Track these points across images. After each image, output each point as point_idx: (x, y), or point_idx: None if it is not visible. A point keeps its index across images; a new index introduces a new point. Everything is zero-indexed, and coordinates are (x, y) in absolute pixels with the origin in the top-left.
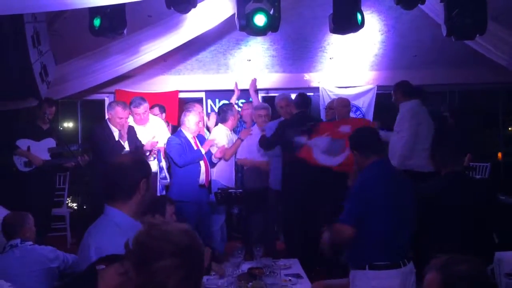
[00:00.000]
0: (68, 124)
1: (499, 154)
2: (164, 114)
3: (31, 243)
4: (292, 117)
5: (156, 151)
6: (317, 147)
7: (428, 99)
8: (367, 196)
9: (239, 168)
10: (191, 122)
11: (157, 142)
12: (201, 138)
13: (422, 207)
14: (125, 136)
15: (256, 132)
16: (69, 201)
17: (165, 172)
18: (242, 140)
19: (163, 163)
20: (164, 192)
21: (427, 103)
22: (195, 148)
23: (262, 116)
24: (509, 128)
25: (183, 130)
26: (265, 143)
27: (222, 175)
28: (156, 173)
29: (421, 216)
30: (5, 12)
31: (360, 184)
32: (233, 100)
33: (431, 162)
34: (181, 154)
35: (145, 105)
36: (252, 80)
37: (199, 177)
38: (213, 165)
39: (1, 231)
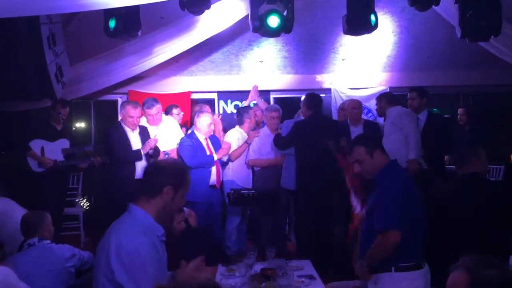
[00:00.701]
0: (81, 125)
1: None
2: (181, 115)
3: (48, 242)
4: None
5: (164, 153)
6: None
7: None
8: (408, 197)
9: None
10: (203, 124)
11: (157, 140)
12: (214, 140)
13: (436, 207)
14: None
15: (266, 134)
16: (83, 201)
17: None
18: (249, 144)
19: None
20: None
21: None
22: (207, 149)
23: (274, 118)
24: None
25: (195, 132)
26: (280, 142)
27: (239, 175)
28: None
29: (434, 216)
30: (21, 14)
31: (397, 185)
32: (247, 102)
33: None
34: (192, 156)
35: (158, 106)
36: (254, 87)
37: (209, 178)
38: (224, 165)
39: (19, 230)
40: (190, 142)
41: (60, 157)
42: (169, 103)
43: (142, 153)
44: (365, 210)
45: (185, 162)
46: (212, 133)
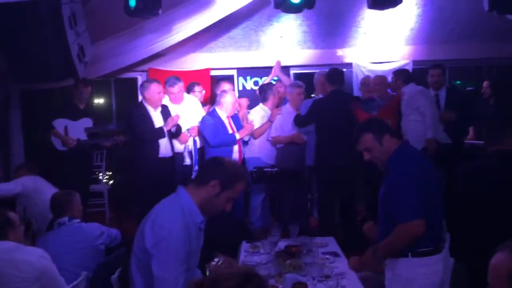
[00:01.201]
0: (102, 103)
1: None
2: (203, 93)
3: (78, 221)
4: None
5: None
6: None
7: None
8: (424, 180)
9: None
10: (228, 103)
11: (179, 117)
12: (235, 118)
13: (464, 186)
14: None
15: (289, 111)
16: (107, 177)
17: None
18: (271, 122)
19: (189, 143)
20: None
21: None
22: (229, 128)
23: (299, 94)
24: None
25: (218, 110)
26: (299, 120)
27: (264, 152)
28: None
29: (462, 196)
30: None
31: (412, 170)
32: (269, 78)
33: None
34: (215, 135)
35: (180, 84)
36: (277, 62)
37: (231, 156)
38: (245, 143)
39: (49, 208)
40: (212, 120)
41: (83, 136)
42: (189, 80)
43: (165, 130)
44: (380, 196)
45: (207, 140)
46: (236, 113)
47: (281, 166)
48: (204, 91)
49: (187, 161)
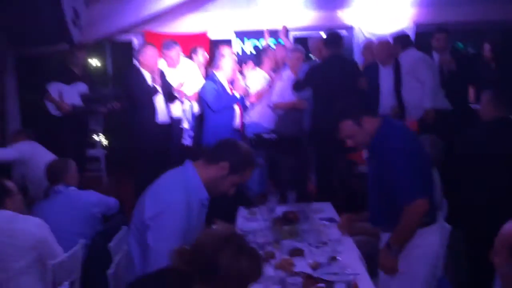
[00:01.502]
0: (97, 66)
1: None
2: (206, 55)
3: (74, 188)
4: (323, 60)
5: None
6: None
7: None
8: (414, 153)
9: None
10: (227, 66)
11: (183, 83)
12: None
13: (463, 153)
14: (158, 79)
15: (289, 76)
16: (103, 142)
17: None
18: (270, 87)
19: (186, 108)
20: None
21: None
22: (229, 91)
23: (299, 59)
24: None
25: (217, 74)
26: (296, 85)
27: (264, 118)
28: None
29: (461, 163)
30: None
31: (401, 147)
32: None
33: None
34: (217, 99)
35: (177, 48)
36: (283, 27)
37: (233, 121)
38: (245, 108)
39: (44, 176)
40: (214, 85)
41: (78, 101)
42: (186, 44)
43: (158, 88)
44: (369, 177)
45: (210, 106)
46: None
47: (280, 132)
48: (206, 54)
49: (185, 125)
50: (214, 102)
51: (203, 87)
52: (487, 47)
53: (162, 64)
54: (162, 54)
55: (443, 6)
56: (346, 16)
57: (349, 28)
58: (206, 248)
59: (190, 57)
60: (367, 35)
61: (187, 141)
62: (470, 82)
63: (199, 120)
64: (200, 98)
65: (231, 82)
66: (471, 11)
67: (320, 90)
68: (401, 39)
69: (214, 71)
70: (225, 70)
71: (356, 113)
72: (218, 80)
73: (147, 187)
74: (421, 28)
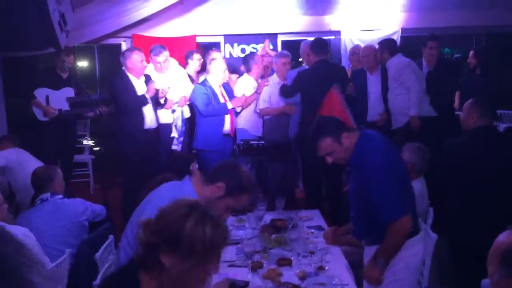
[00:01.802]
0: (85, 69)
1: None
2: (201, 61)
3: (61, 196)
4: (311, 66)
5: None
6: None
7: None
8: (398, 171)
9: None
10: (217, 71)
11: (168, 89)
12: (227, 88)
13: (449, 162)
14: (153, 90)
15: (276, 81)
16: (91, 144)
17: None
18: (258, 93)
19: (178, 115)
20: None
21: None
22: (221, 98)
23: (285, 64)
24: None
25: (208, 79)
26: (285, 91)
27: (250, 124)
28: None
29: (447, 172)
30: None
31: (382, 162)
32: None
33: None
34: (206, 104)
35: (166, 53)
36: (266, 41)
37: (223, 127)
38: (236, 114)
39: (30, 184)
40: (204, 89)
41: (65, 106)
42: (175, 47)
43: (147, 97)
44: (350, 192)
45: (199, 110)
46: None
47: (268, 138)
48: (202, 59)
49: (174, 134)
50: (203, 106)
51: (193, 92)
52: (471, 53)
53: (150, 69)
54: (150, 59)
55: (429, 11)
56: (334, 21)
57: (337, 33)
58: (170, 217)
59: (186, 62)
60: (355, 41)
61: (178, 147)
62: (456, 88)
63: (189, 125)
64: (191, 102)
65: (225, 88)
66: (457, 16)
67: (308, 96)
68: (387, 45)
69: (207, 76)
70: (214, 74)
71: (335, 129)
72: (209, 85)
73: (137, 195)
74: (407, 32)
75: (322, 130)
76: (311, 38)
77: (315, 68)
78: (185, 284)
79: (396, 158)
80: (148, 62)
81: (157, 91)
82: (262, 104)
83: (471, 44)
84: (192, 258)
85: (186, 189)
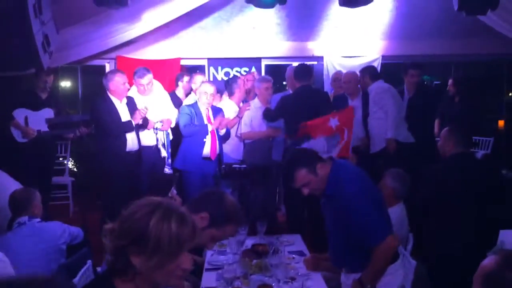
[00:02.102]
0: (68, 89)
1: (501, 122)
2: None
3: (39, 220)
4: (294, 91)
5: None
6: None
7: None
8: (375, 195)
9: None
10: (202, 95)
11: (147, 111)
12: (217, 110)
13: (428, 188)
14: (139, 117)
15: (257, 106)
16: (72, 166)
17: (160, 145)
18: (240, 118)
19: (161, 136)
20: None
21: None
22: (205, 119)
23: (267, 89)
24: (510, 94)
25: (198, 101)
26: (269, 115)
27: (230, 148)
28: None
29: (426, 198)
30: None
31: (359, 188)
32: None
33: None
34: (186, 124)
35: (149, 76)
36: (251, 75)
37: (202, 149)
38: (224, 139)
39: (7, 206)
40: (188, 110)
41: (44, 127)
42: (159, 69)
43: (133, 123)
44: (327, 223)
45: (180, 130)
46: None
47: (249, 161)
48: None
49: (164, 153)
50: (182, 127)
51: (179, 112)
52: (450, 82)
53: (133, 91)
54: (134, 82)
55: (409, 40)
56: (317, 47)
57: (320, 59)
58: (135, 217)
59: (176, 84)
60: (337, 66)
61: (169, 169)
62: (435, 115)
63: (175, 145)
64: (177, 122)
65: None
66: (435, 45)
67: (291, 121)
68: (368, 71)
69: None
70: (200, 97)
71: (309, 161)
72: (197, 106)
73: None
74: (387, 59)
75: (296, 161)
76: (296, 63)
77: (298, 94)
78: (159, 281)
79: (369, 183)
80: (131, 84)
81: (142, 118)
82: (243, 128)
83: (449, 72)
84: (160, 255)
85: None
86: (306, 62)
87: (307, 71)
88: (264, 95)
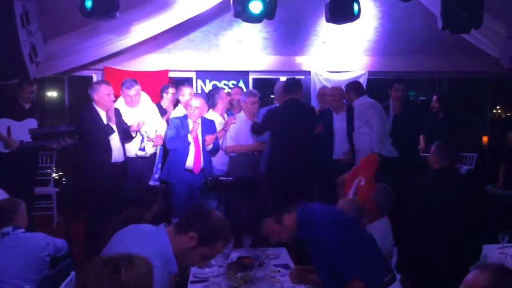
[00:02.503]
0: (55, 100)
1: (484, 138)
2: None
3: (23, 230)
4: (282, 103)
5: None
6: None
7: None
8: (346, 231)
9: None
10: (188, 107)
11: (144, 122)
12: (208, 123)
13: (411, 202)
14: (113, 118)
15: (243, 120)
16: (56, 176)
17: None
18: (226, 131)
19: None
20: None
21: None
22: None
23: (254, 103)
24: (494, 111)
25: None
26: (256, 129)
27: (218, 160)
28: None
29: (409, 212)
30: None
31: (329, 233)
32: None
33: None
34: (170, 137)
35: (137, 87)
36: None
37: (185, 161)
38: (213, 153)
39: None
40: (175, 123)
41: (27, 138)
42: (147, 81)
43: (112, 126)
44: (313, 262)
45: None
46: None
47: (233, 174)
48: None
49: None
50: (167, 139)
51: (168, 124)
52: (435, 98)
53: (120, 102)
54: (121, 93)
55: (394, 56)
56: (304, 61)
57: (307, 73)
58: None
59: (161, 95)
60: (324, 81)
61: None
62: (420, 130)
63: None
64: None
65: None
66: (420, 61)
67: (278, 134)
68: (353, 87)
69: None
70: (187, 109)
71: (277, 213)
72: (186, 119)
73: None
74: (373, 75)
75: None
76: (283, 78)
77: (285, 107)
78: None
79: (339, 217)
80: (118, 95)
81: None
82: (229, 142)
83: (434, 88)
84: None
85: (162, 241)
86: (294, 77)
87: (296, 85)
88: (250, 109)
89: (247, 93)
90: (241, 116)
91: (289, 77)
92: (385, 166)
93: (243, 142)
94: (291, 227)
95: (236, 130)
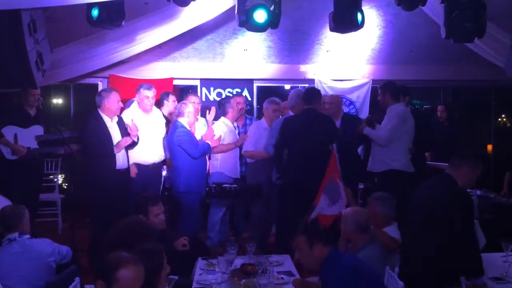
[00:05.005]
0: (60, 107)
1: (489, 147)
2: (176, 103)
3: (29, 236)
4: (301, 112)
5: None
6: None
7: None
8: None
9: (244, 161)
10: (191, 113)
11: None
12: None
13: (410, 211)
14: (136, 132)
15: (263, 127)
16: (61, 181)
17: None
18: (237, 146)
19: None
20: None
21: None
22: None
23: (275, 111)
24: (499, 119)
25: (181, 121)
26: (275, 157)
27: (227, 166)
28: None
29: (407, 221)
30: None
31: (348, 280)
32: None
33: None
34: (196, 146)
35: (154, 90)
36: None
37: (206, 168)
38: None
39: None
40: (188, 132)
41: (34, 144)
42: None
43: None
44: None
45: (190, 153)
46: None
47: (249, 180)
48: (176, 101)
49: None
50: (194, 149)
51: (179, 137)
52: (440, 108)
53: (134, 109)
54: (137, 96)
55: (398, 64)
56: (308, 70)
57: (311, 82)
58: None
59: (161, 103)
60: (327, 89)
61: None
62: (426, 138)
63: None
64: (178, 145)
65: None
66: (424, 70)
67: (292, 142)
68: (391, 88)
69: (179, 119)
70: (189, 117)
71: (313, 235)
72: (185, 126)
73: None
74: (377, 83)
75: (304, 228)
76: (288, 86)
77: (305, 116)
78: None
79: (362, 270)
80: (123, 103)
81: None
82: (248, 147)
83: (438, 97)
84: None
85: None
86: (298, 85)
87: (317, 95)
88: (271, 116)
89: (269, 101)
90: (262, 123)
91: (309, 87)
92: (399, 179)
93: (262, 148)
94: (316, 260)
95: (256, 136)
